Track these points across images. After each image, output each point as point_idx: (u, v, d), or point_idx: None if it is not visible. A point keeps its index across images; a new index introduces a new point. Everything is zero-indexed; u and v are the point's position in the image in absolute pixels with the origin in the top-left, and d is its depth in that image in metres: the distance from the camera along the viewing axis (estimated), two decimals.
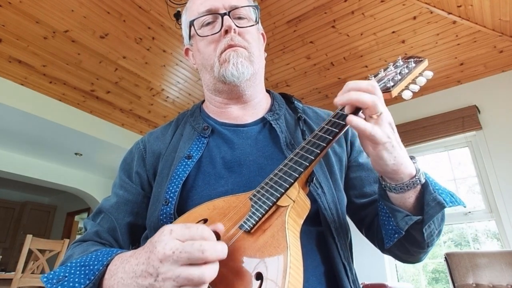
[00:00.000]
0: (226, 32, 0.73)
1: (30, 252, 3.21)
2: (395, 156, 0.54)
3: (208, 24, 0.76)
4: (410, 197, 0.58)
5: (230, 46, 0.73)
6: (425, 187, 0.58)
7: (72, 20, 3.02)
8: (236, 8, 0.75)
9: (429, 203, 0.56)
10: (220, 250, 0.42)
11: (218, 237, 0.46)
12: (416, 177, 0.56)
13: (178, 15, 2.83)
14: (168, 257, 0.41)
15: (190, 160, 0.70)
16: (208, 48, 0.75)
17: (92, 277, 0.51)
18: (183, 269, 0.40)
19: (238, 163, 0.70)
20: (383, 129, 0.52)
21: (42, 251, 3.43)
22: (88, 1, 2.92)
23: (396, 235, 0.59)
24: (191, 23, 0.77)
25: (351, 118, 0.52)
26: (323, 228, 0.64)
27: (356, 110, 0.55)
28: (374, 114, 0.52)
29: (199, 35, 0.76)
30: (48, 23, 2.99)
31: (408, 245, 0.63)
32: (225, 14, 0.74)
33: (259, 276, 0.45)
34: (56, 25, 3.02)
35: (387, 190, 0.59)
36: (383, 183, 0.59)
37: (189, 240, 0.42)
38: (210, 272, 0.41)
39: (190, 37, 0.81)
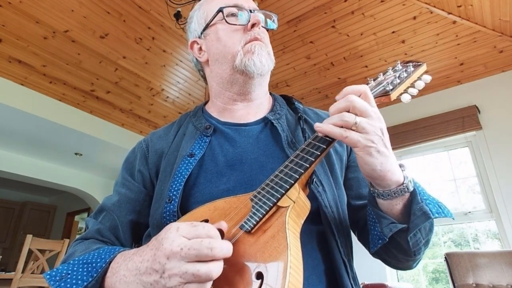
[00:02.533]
0: (253, 26, 0.76)
1: (30, 252, 3.21)
2: (381, 162, 0.54)
3: (233, 15, 0.77)
4: (397, 204, 0.58)
5: (256, 38, 0.75)
6: (413, 196, 0.58)
7: (72, 20, 3.02)
8: (258, 11, 0.79)
9: (415, 212, 0.56)
10: (227, 248, 0.44)
11: (222, 235, 0.47)
12: (404, 184, 0.57)
13: (178, 15, 2.83)
14: (175, 254, 0.42)
15: (193, 158, 0.71)
16: (232, 37, 0.76)
17: (95, 275, 0.52)
18: (190, 266, 0.41)
19: (239, 160, 0.71)
20: (366, 135, 0.53)
21: (42, 251, 3.44)
22: (88, 1, 2.93)
23: (380, 241, 0.60)
24: (221, 9, 0.77)
25: (318, 125, 0.56)
26: (323, 227, 0.64)
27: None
28: (349, 128, 0.54)
29: (227, 22, 0.76)
30: (48, 23, 2.99)
31: (395, 252, 0.63)
32: (251, 11, 0.77)
33: (259, 276, 0.46)
34: (56, 25, 3.02)
35: (375, 196, 0.60)
36: (372, 189, 0.60)
37: (195, 238, 0.43)
38: (217, 269, 0.42)
39: (206, 27, 0.81)
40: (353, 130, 0.53)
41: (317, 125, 0.55)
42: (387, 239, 0.58)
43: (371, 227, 0.63)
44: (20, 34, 3.00)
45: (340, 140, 0.54)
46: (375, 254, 0.68)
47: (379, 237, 0.60)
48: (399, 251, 0.62)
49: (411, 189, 0.58)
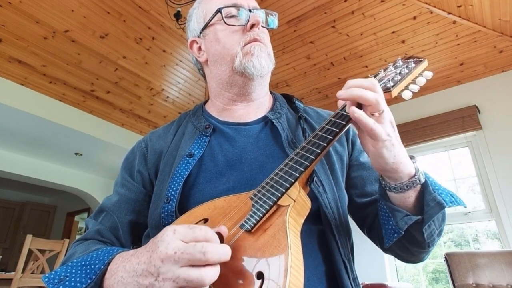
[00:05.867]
0: (252, 26, 0.74)
1: (30, 252, 3.21)
2: (395, 154, 0.54)
3: (232, 16, 0.76)
4: (410, 196, 0.58)
5: (256, 39, 0.74)
6: (425, 187, 0.58)
7: (72, 20, 3.02)
8: (258, 9, 0.78)
9: (428, 203, 0.56)
10: (222, 252, 0.43)
11: (221, 239, 0.46)
12: (416, 176, 0.56)
13: (178, 15, 2.83)
14: (169, 257, 0.41)
15: (192, 158, 0.71)
16: (231, 38, 0.75)
17: (94, 276, 0.52)
18: (183, 270, 0.41)
19: (239, 160, 0.70)
20: (384, 127, 0.53)
21: (42, 251, 3.43)
22: (88, 1, 2.92)
23: (396, 235, 0.59)
24: (219, 10, 0.76)
25: (354, 110, 0.53)
26: (324, 227, 0.64)
27: (357, 108, 0.55)
28: (376, 111, 0.53)
29: (226, 23, 0.75)
30: (48, 23, 2.99)
31: (409, 245, 0.63)
32: (250, 11, 0.76)
33: (260, 276, 0.45)
34: (56, 25, 3.02)
35: (387, 190, 0.59)
36: (383, 182, 0.59)
37: (192, 241, 0.43)
38: (210, 274, 0.41)
39: (205, 27, 0.79)
40: (376, 116, 0.52)
41: (353, 110, 0.52)
42: (403, 232, 0.58)
43: (385, 222, 0.62)
44: (20, 34, 3.00)
45: (365, 130, 0.53)
46: (388, 250, 0.68)
47: (394, 230, 0.60)
48: (412, 244, 0.62)
49: (423, 180, 0.57)
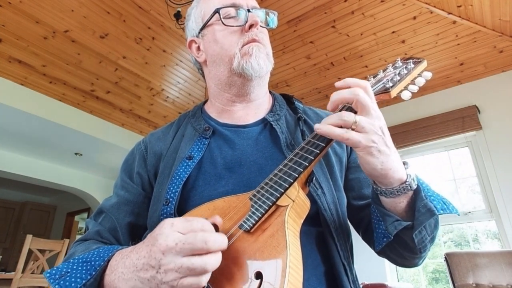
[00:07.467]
0: (250, 27, 0.74)
1: (30, 252, 3.21)
2: (382, 161, 0.53)
3: (230, 17, 0.75)
4: (401, 202, 0.58)
5: (254, 40, 0.73)
6: (416, 193, 0.57)
7: (72, 20, 3.02)
8: (257, 9, 0.77)
9: (419, 209, 0.56)
10: (221, 241, 0.44)
11: (216, 229, 0.48)
12: (407, 182, 0.56)
13: (178, 15, 2.83)
14: (170, 249, 0.42)
15: (191, 160, 0.71)
16: (230, 38, 0.74)
17: (94, 272, 0.52)
18: (185, 260, 0.42)
19: (238, 163, 0.70)
20: (366, 135, 0.52)
21: (42, 251, 3.43)
22: (88, 1, 2.93)
23: (385, 239, 0.60)
24: (217, 10, 0.75)
25: (317, 126, 0.54)
26: (323, 229, 0.64)
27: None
28: (349, 127, 0.53)
29: (224, 24, 0.74)
30: (48, 23, 2.99)
31: (401, 249, 0.63)
32: (249, 10, 0.75)
33: (258, 275, 0.46)
34: (56, 25, 3.02)
35: (378, 194, 0.59)
36: (375, 186, 0.59)
37: (190, 232, 0.44)
38: (213, 261, 0.43)
39: (203, 27, 0.79)
40: (353, 129, 0.53)
41: (317, 127, 0.55)
42: (392, 237, 0.58)
43: (376, 225, 0.62)
44: (20, 34, 3.00)
45: (341, 142, 0.54)
46: (381, 253, 0.68)
47: (383, 235, 0.60)
48: (404, 249, 0.62)
49: (414, 187, 0.57)
